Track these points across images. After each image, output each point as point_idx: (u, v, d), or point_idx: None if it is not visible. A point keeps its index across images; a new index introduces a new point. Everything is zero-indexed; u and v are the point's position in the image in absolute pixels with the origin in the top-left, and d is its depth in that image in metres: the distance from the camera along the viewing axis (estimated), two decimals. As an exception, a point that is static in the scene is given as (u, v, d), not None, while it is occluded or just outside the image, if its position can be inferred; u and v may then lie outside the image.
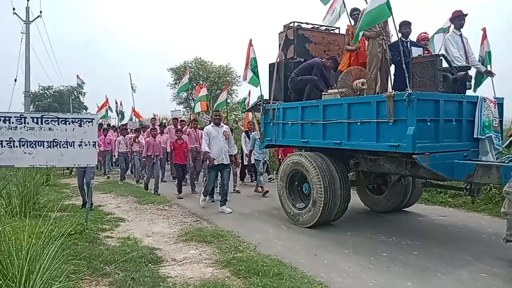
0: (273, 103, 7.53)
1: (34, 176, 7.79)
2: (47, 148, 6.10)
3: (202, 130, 10.28)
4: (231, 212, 7.74)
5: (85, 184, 7.63)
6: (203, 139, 8.08)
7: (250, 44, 8.81)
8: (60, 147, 6.15)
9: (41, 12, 22.74)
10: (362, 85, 6.18)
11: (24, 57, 21.66)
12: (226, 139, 8.03)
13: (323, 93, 6.88)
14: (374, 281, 4.34)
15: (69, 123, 6.21)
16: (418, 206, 8.03)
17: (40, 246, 3.53)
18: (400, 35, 6.10)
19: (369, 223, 6.99)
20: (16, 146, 5.98)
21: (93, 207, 7.58)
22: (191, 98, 38.07)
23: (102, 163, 14.65)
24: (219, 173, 8.16)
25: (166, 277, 4.41)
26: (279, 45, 7.92)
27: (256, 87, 8.85)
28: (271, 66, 7.96)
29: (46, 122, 6.12)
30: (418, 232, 6.35)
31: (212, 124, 8.29)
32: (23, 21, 22.18)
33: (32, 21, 22.45)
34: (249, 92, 16.41)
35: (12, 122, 5.97)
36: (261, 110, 7.82)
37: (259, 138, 8.12)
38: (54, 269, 3.41)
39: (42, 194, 7.91)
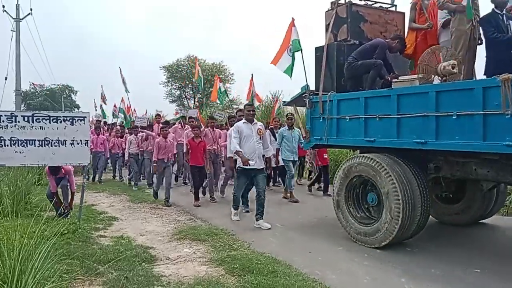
0: (323, 94, 6.21)
1: (26, 176, 7.72)
2: (38, 147, 6.04)
3: (218, 129, 10.03)
4: (269, 228, 6.41)
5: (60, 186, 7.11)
6: (232, 138, 6.75)
7: (292, 24, 7.44)
8: (51, 145, 6.09)
9: (31, 9, 22.55)
10: (453, 68, 4.98)
11: (14, 55, 21.46)
12: (260, 138, 6.68)
13: (394, 80, 5.68)
14: (368, 277, 4.35)
15: (61, 122, 6.15)
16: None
17: (32, 246, 3.50)
18: (493, 6, 5.21)
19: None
20: (7, 145, 5.91)
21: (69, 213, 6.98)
22: (184, 96, 37.98)
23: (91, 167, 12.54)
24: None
25: (160, 276, 4.38)
26: (326, 26, 6.65)
27: (290, 77, 7.61)
28: (318, 50, 6.66)
29: (37, 121, 6.05)
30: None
31: (244, 120, 6.81)
32: (13, 18, 21.97)
33: (22, 19, 22.26)
34: (251, 81, 14.41)
35: (3, 121, 5.90)
36: (307, 103, 6.44)
37: (304, 136, 6.78)
38: (46, 269, 3.38)
39: (34, 194, 7.82)
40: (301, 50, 7.09)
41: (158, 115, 14.54)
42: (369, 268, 4.61)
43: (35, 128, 6.04)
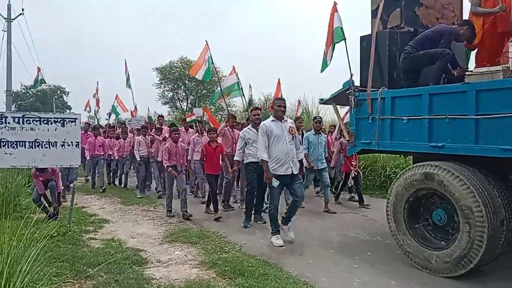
0: (372, 90, 5.35)
1: (16, 177, 7.65)
2: (28, 148, 5.99)
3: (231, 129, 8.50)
4: (292, 241, 5.79)
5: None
6: (259, 140, 5.69)
7: (335, 9, 6.63)
8: (42, 147, 6.05)
9: (23, 9, 22.40)
10: None
11: (5, 55, 21.26)
12: (292, 138, 5.68)
13: (468, 73, 4.85)
14: (358, 280, 4.37)
15: (51, 123, 6.11)
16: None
17: (21, 249, 3.47)
18: None
19: (353, 223, 7.05)
20: (-3, 147, 5.85)
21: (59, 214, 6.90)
22: (177, 98, 37.87)
23: (90, 172, 11.67)
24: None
25: (151, 278, 4.37)
26: (373, 11, 5.78)
27: (321, 72, 6.87)
28: (365, 39, 5.78)
29: (28, 122, 6.01)
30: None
31: (272, 118, 5.77)
32: (5, 18, 21.77)
33: (14, 19, 22.05)
34: (250, 86, 14.42)
35: (-7, 122, 5.85)
36: (351, 101, 5.58)
37: (348, 140, 5.82)
38: (35, 272, 3.35)
39: (23, 196, 7.75)
40: (345, 39, 6.45)
41: (161, 116, 12.94)
42: (359, 271, 4.64)
43: (26, 130, 5.99)
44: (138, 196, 9.70)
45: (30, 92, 46.50)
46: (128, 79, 15.96)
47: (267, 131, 5.57)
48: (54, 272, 3.98)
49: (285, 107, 5.81)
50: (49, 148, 6.08)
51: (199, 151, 8.05)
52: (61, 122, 6.17)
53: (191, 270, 4.64)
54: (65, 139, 6.15)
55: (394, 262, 4.94)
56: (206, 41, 9.35)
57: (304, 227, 6.55)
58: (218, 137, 8.01)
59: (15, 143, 5.93)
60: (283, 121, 5.69)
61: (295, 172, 5.61)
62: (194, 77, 35.13)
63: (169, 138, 8.20)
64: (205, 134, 8.78)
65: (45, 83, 17.78)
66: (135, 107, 17.29)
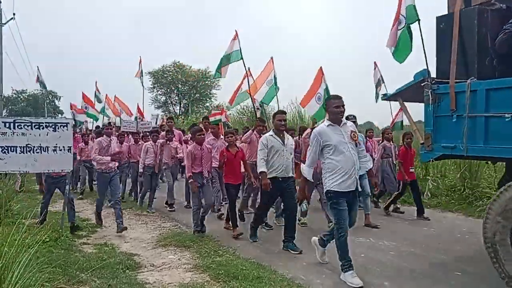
0: (457, 82, 4.36)
1: (7, 183, 7.58)
2: (20, 153, 5.95)
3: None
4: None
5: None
6: (311, 151, 4.56)
7: None
8: (33, 152, 6.01)
9: (14, 14, 22.20)
10: None
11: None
12: (356, 145, 4.53)
13: None
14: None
15: (43, 128, 6.08)
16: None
17: (13, 255, 3.44)
18: None
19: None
20: (-12, 152, 5.81)
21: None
22: (170, 102, 37.82)
23: (81, 179, 11.04)
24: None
25: (144, 283, 4.35)
26: None
27: (401, 62, 5.92)
28: (442, 20, 4.70)
29: (19, 127, 5.97)
30: (395, 233, 6.46)
31: (327, 122, 4.63)
32: (-5, 23, 21.59)
33: (5, 24, 21.89)
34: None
35: (-17, 127, 5.81)
36: (429, 95, 4.56)
37: (424, 144, 4.77)
38: (27, 277, 3.32)
39: (15, 201, 7.67)
40: (419, 20, 5.63)
41: (170, 118, 11.05)
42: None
43: (17, 135, 5.96)
44: (151, 212, 8.33)
45: (22, 97, 46.21)
46: (141, 78, 15.97)
47: (321, 140, 4.39)
48: (46, 278, 3.94)
49: (344, 108, 4.59)
50: (41, 153, 6.05)
51: (215, 156, 6.96)
52: (53, 126, 6.14)
53: (185, 274, 4.63)
54: (56, 144, 6.13)
55: (387, 264, 4.96)
56: (272, 58, 8.54)
57: (297, 229, 6.54)
58: (238, 144, 7.13)
59: (6, 148, 5.90)
60: (341, 124, 4.51)
61: (359, 188, 4.52)
62: (189, 82, 34.88)
63: (191, 140, 7.30)
64: (221, 137, 7.74)
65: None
66: (138, 110, 16.74)
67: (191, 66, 36.11)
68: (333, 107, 4.52)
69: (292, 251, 5.44)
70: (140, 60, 16.15)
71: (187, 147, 7.75)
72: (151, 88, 36.33)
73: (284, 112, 6.00)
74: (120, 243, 5.99)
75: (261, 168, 5.61)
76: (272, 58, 7.96)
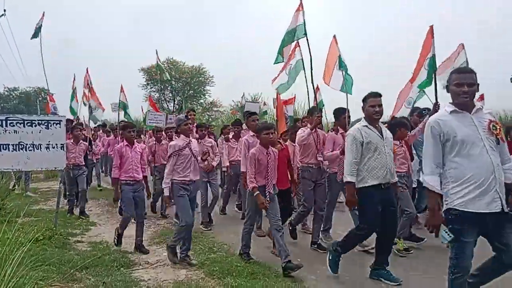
0: None
1: (0, 181, 7.53)
2: (12, 151, 5.89)
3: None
4: None
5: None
6: (427, 149, 3.24)
7: None
8: (26, 150, 5.96)
9: (5, 10, 21.95)
10: None
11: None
12: (498, 143, 3.12)
13: None
14: (347, 277, 4.41)
15: (36, 125, 6.03)
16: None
17: (6, 253, 3.42)
18: None
19: (340, 221, 7.08)
20: (-21, 150, 5.76)
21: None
22: (163, 98, 37.68)
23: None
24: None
25: (139, 280, 4.35)
26: None
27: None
28: None
29: (11, 125, 5.92)
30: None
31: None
32: (-14, 20, 21.37)
33: (-5, 20, 21.65)
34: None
35: (-25, 125, 5.76)
36: None
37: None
38: (20, 276, 3.31)
39: (8, 199, 7.63)
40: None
41: (192, 110, 9.07)
42: (348, 270, 4.64)
43: (9, 132, 5.90)
44: (202, 227, 6.65)
45: (13, 94, 45.81)
46: (162, 71, 13.35)
47: (442, 133, 3.04)
48: (40, 276, 3.92)
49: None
50: (34, 150, 6.00)
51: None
52: (46, 124, 6.09)
53: (180, 271, 4.63)
54: (49, 142, 6.08)
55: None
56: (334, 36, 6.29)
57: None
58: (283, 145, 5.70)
59: (-2, 146, 5.84)
60: (474, 110, 3.06)
61: (505, 208, 2.94)
62: (183, 79, 34.57)
63: (255, 140, 5.41)
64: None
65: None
66: (151, 102, 15.18)
67: (184, 63, 35.96)
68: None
69: (390, 282, 4.25)
70: (157, 54, 12.92)
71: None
72: (144, 85, 36.15)
73: (379, 95, 4.32)
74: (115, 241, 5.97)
75: (348, 176, 4.20)
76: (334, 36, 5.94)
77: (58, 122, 6.21)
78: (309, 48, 6.03)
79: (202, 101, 36.07)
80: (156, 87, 36.81)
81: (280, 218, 4.75)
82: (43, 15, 9.13)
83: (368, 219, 4.25)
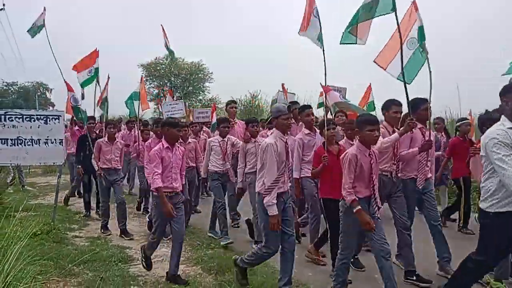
0: None
1: (-2, 175, 7.54)
2: (11, 146, 5.92)
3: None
4: None
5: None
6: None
7: None
8: (25, 145, 5.98)
9: (4, 5, 21.91)
10: None
11: (-14, 52, 20.84)
12: None
13: None
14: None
15: (34, 120, 6.05)
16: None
17: (4, 247, 3.43)
18: None
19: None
20: (-22, 144, 5.77)
21: None
22: (162, 95, 37.63)
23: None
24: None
25: (137, 276, 4.36)
26: None
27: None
28: None
29: (10, 119, 5.93)
30: (390, 228, 6.49)
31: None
32: (-15, 14, 21.30)
33: (-6, 14, 21.58)
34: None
35: (-27, 119, 5.76)
36: None
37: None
38: (18, 270, 3.32)
39: (6, 194, 7.63)
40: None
41: (233, 102, 8.20)
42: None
43: (8, 127, 5.92)
44: (223, 243, 5.47)
45: (12, 89, 45.71)
46: (171, 52, 10.30)
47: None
48: (38, 270, 3.95)
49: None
50: (32, 145, 6.02)
51: (310, 161, 4.82)
52: (44, 119, 6.10)
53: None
54: (48, 137, 6.09)
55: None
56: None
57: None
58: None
59: (-4, 140, 5.85)
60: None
61: None
62: (182, 75, 34.30)
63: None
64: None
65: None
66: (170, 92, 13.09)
67: (184, 59, 35.88)
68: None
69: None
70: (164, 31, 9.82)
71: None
72: (144, 81, 36.14)
73: None
74: (113, 236, 5.99)
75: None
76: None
77: (57, 117, 6.21)
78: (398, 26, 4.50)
79: (201, 97, 36.03)
80: (155, 83, 36.76)
81: (387, 241, 3.56)
82: (44, 10, 8.25)
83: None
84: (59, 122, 6.20)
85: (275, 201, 3.65)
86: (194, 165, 6.64)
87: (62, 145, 6.25)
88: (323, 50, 4.90)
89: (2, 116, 5.91)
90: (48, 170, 13.40)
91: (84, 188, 7.62)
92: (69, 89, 7.06)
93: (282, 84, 7.98)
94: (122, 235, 5.70)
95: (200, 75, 35.65)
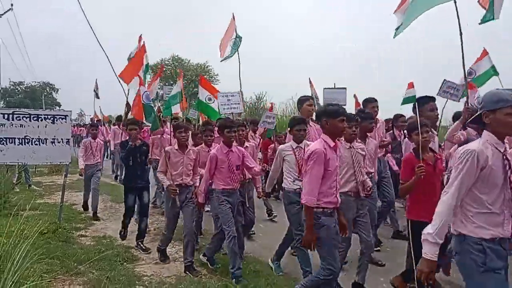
0: None
1: (5, 174, 7.58)
2: (18, 145, 5.95)
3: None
4: None
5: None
6: None
7: None
8: (32, 144, 6.01)
9: (12, 5, 22.07)
10: None
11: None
12: None
13: None
14: (346, 275, 4.41)
15: (42, 120, 6.08)
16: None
17: (11, 245, 3.45)
18: None
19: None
20: (-14, 143, 5.82)
21: None
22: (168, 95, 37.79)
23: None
24: None
25: (142, 275, 4.37)
26: None
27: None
28: None
29: (18, 119, 5.96)
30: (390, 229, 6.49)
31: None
32: (-7, 14, 21.48)
33: (2, 15, 21.77)
34: None
35: (-18, 118, 5.81)
36: None
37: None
38: (25, 268, 3.33)
39: (13, 193, 7.68)
40: None
41: (310, 98, 5.48)
42: (348, 268, 4.66)
43: (15, 126, 5.95)
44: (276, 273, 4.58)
45: (19, 89, 46.05)
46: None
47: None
48: (44, 269, 3.97)
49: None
50: (39, 145, 6.05)
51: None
52: (51, 119, 6.14)
53: (182, 267, 4.64)
54: (55, 136, 6.13)
55: (381, 258, 4.98)
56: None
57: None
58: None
59: (4, 139, 5.89)
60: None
61: None
62: (188, 76, 34.42)
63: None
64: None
65: None
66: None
67: (189, 60, 36.05)
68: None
69: None
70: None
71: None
72: (149, 82, 36.29)
73: None
74: (118, 236, 5.99)
75: None
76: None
77: (64, 117, 6.25)
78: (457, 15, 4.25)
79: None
80: (160, 84, 36.88)
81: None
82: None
83: None
84: (66, 122, 6.23)
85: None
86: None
87: (69, 144, 6.29)
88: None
89: (10, 115, 5.95)
90: (54, 170, 13.46)
91: (127, 212, 5.75)
92: (142, 83, 5.92)
93: (309, 79, 6.72)
94: (187, 272, 4.53)
95: (205, 76, 35.78)
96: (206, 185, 4.52)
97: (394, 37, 4.80)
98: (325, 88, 6.76)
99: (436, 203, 2.54)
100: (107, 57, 5.57)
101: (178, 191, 4.76)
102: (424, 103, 4.10)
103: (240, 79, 6.44)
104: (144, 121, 5.73)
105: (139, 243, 5.44)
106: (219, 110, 6.90)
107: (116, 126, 11.23)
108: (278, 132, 9.13)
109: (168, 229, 5.00)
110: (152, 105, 5.72)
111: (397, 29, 4.86)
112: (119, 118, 12.04)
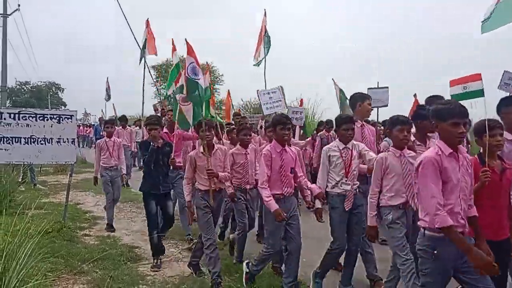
0: None
1: (11, 173, 7.64)
2: (24, 144, 6.01)
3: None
4: None
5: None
6: None
7: None
8: (37, 143, 6.06)
9: (19, 5, 22.21)
10: None
11: (1, 51, 21.19)
12: None
13: None
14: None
15: (47, 119, 6.13)
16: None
17: (16, 244, 3.48)
18: None
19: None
20: (-8, 142, 5.87)
21: None
22: (173, 96, 37.84)
23: None
24: None
25: (145, 275, 4.40)
26: None
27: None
28: None
29: (24, 118, 6.02)
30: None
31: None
32: (0, 14, 21.63)
33: (10, 14, 21.93)
34: None
35: (-12, 118, 5.87)
36: None
37: None
38: (30, 267, 3.37)
39: (18, 192, 7.74)
40: None
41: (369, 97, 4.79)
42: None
43: (21, 126, 6.01)
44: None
45: (25, 88, 46.35)
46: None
47: None
48: (48, 268, 4.01)
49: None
50: (45, 144, 6.10)
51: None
52: (57, 118, 6.19)
53: (185, 267, 4.66)
54: (60, 136, 6.17)
55: (381, 258, 4.97)
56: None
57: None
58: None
59: (10, 139, 5.95)
60: None
61: None
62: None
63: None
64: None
65: None
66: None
67: (194, 61, 36.10)
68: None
69: None
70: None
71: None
72: (154, 82, 36.34)
73: None
74: (122, 236, 6.04)
75: None
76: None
77: (70, 116, 6.30)
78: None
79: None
80: (165, 83, 36.97)
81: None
82: None
83: None
84: (71, 121, 6.28)
85: None
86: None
87: (74, 144, 6.34)
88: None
89: (16, 115, 6.00)
90: (59, 169, 13.55)
91: (151, 223, 4.93)
92: (190, 52, 4.86)
93: (333, 79, 6.14)
94: (189, 267, 4.51)
95: (210, 76, 35.83)
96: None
97: (482, 33, 3.84)
98: (369, 88, 6.16)
99: (501, 220, 2.27)
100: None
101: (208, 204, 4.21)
102: (508, 104, 3.41)
103: (265, 77, 6.31)
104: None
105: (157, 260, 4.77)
106: (218, 111, 6.74)
107: (120, 127, 11.31)
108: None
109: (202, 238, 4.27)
110: (198, 80, 4.74)
111: (483, 21, 3.91)
112: (122, 118, 12.17)
